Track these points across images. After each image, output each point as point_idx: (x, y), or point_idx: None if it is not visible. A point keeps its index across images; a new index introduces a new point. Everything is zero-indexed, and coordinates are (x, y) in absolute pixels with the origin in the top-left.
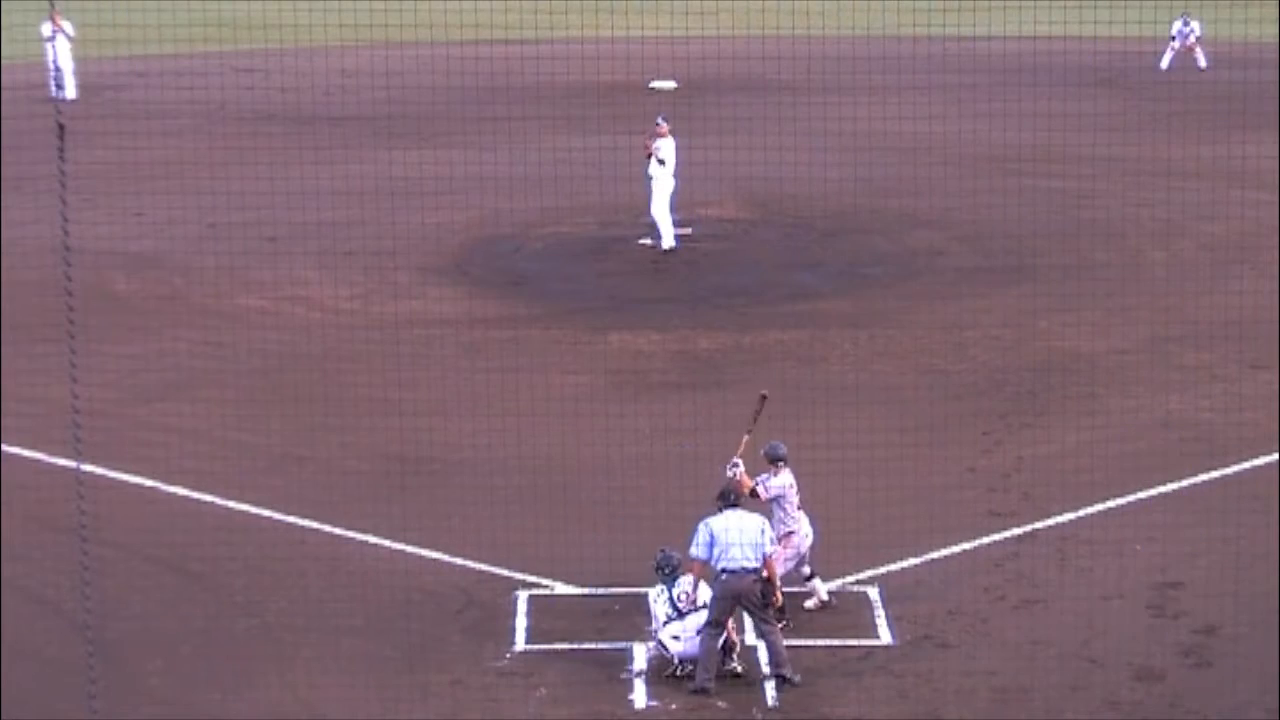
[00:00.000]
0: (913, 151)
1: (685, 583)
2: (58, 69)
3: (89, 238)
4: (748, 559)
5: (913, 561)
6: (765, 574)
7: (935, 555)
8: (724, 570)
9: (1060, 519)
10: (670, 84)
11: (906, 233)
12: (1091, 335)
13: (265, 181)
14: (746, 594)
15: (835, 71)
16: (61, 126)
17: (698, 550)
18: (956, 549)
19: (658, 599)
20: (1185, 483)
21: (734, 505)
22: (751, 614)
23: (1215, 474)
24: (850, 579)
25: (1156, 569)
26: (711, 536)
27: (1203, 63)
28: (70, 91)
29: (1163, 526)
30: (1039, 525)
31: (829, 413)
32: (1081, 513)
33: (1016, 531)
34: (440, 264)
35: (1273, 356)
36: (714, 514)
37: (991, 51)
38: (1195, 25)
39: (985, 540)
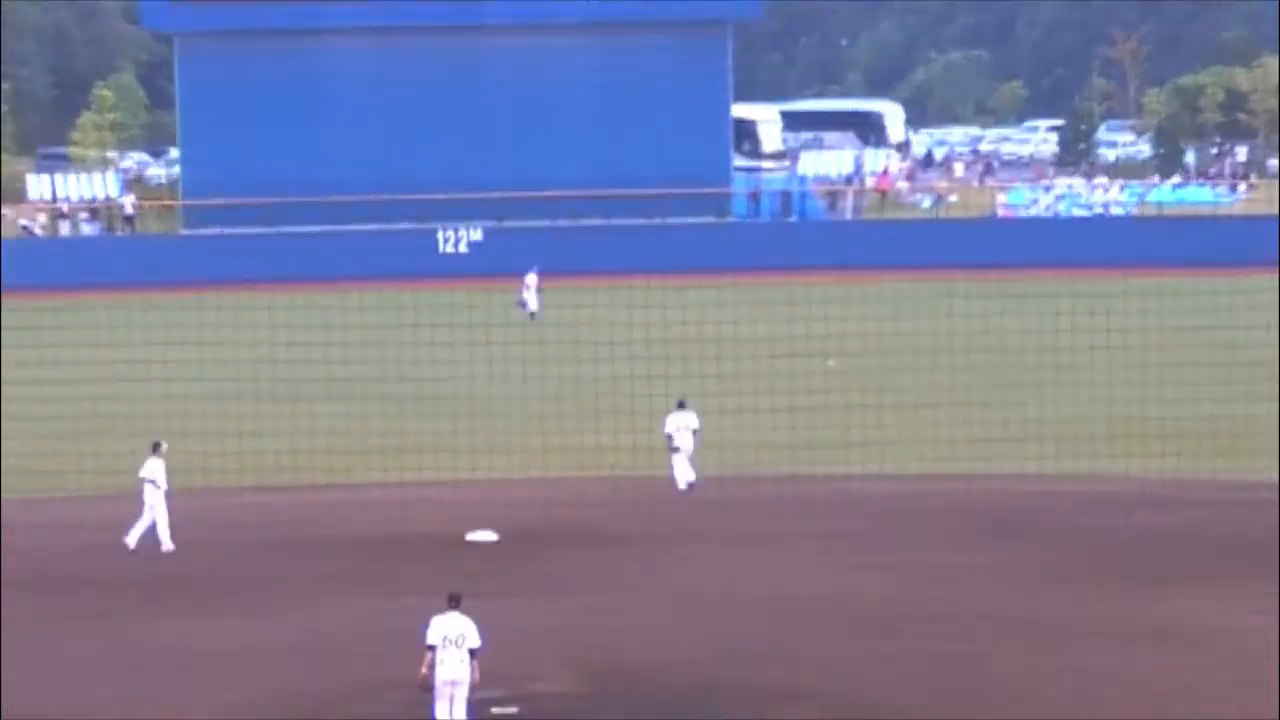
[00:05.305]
0: (779, 612)
1: None
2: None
3: None
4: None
5: None
6: None
7: None
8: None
9: None
10: (490, 535)
11: (777, 709)
12: None
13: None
14: None
15: (684, 518)
16: None
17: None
18: None
19: None
20: None
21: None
22: None
23: None
24: None
25: None
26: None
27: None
28: (167, 543)
29: None
30: None
31: None
32: None
33: None
34: None
35: None
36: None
37: (867, 493)
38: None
39: None
